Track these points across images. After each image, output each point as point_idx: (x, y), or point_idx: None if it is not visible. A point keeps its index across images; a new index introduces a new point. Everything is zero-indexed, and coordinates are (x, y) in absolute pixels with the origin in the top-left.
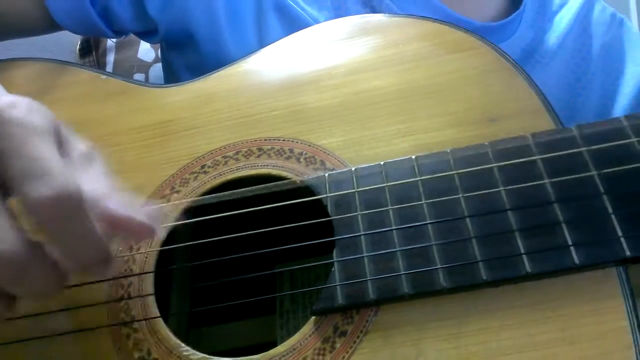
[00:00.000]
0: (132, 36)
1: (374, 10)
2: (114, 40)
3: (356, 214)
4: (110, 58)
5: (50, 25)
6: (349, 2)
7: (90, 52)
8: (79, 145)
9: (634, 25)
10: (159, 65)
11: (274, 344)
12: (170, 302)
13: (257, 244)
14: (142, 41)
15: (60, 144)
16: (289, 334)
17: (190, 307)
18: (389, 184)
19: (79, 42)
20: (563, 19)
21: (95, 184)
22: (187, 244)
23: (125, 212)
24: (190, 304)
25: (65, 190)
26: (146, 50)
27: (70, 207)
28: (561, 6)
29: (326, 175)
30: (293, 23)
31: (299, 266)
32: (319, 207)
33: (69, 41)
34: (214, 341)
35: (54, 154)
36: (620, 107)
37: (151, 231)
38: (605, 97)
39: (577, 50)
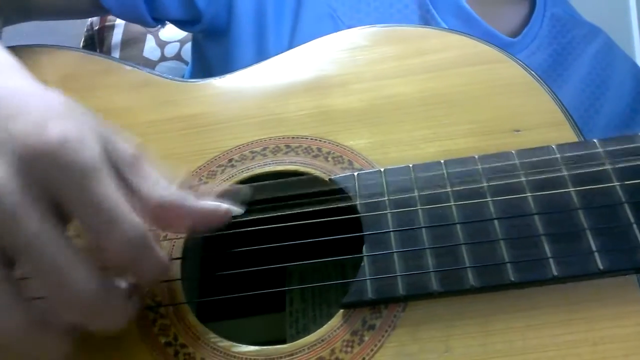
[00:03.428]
0: (137, 34)
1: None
2: (119, 39)
3: (385, 212)
4: (115, 56)
5: (95, 5)
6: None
7: (94, 49)
8: (126, 149)
9: (634, 25)
10: (165, 64)
11: (283, 342)
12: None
13: (277, 240)
14: (147, 40)
15: (113, 161)
16: (299, 332)
17: (197, 307)
18: (418, 185)
19: (83, 39)
20: (582, 56)
21: (163, 185)
22: (215, 233)
23: (211, 204)
24: (199, 296)
25: (135, 236)
26: (152, 49)
27: (140, 249)
28: (579, 43)
29: (355, 174)
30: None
31: (313, 262)
32: (345, 208)
33: (73, 37)
34: (222, 337)
35: (115, 194)
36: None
37: (231, 214)
38: (627, 106)
39: (593, 76)
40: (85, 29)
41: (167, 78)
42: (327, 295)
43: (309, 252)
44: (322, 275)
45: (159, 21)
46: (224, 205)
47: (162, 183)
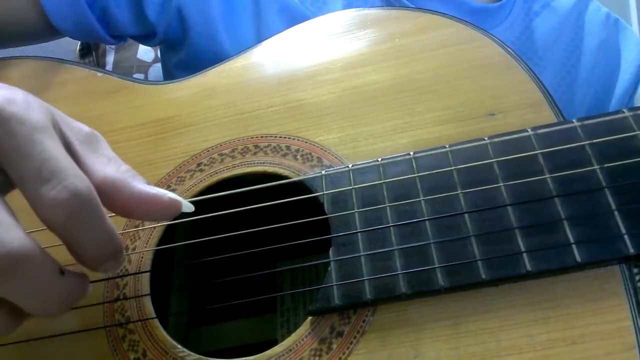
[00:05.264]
0: None
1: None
2: (113, 47)
3: (353, 211)
4: (110, 59)
5: (50, 30)
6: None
7: (90, 53)
8: (80, 127)
9: (634, 25)
10: (159, 65)
11: (274, 343)
12: (170, 301)
13: (256, 242)
14: None
15: (62, 135)
16: (290, 332)
17: (190, 306)
18: (387, 180)
19: (79, 43)
20: (554, 17)
21: (113, 165)
22: (183, 243)
23: (154, 190)
24: (190, 303)
25: (78, 190)
26: (145, 51)
27: (83, 206)
28: (549, 3)
29: (323, 172)
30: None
31: (300, 265)
32: (319, 205)
33: (69, 42)
34: (214, 340)
35: (60, 150)
36: (615, 103)
37: (179, 206)
38: (601, 92)
39: (574, 47)
40: None
41: (138, 82)
42: (317, 293)
43: (297, 250)
44: (312, 273)
45: (118, 38)
46: (170, 195)
47: (114, 161)
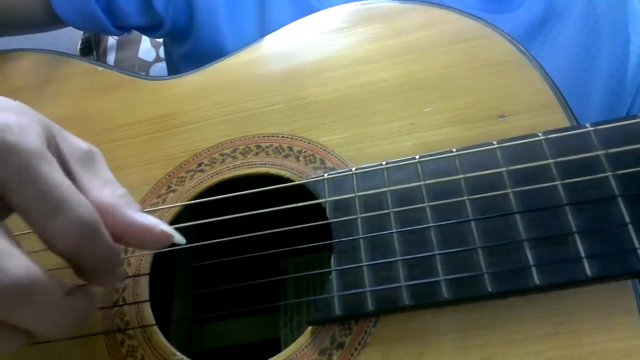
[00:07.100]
0: (133, 35)
1: None
2: (116, 38)
3: (355, 217)
4: (111, 58)
5: (53, 19)
6: None
7: (91, 51)
8: (78, 144)
9: None
10: (160, 64)
11: (277, 341)
12: (173, 303)
13: (258, 241)
14: (142, 41)
15: (59, 154)
16: (293, 332)
17: (193, 306)
18: (391, 186)
19: (80, 42)
20: None
21: (109, 189)
22: (182, 246)
23: (148, 220)
24: (193, 303)
25: (84, 219)
26: (147, 50)
27: (90, 233)
28: None
29: (325, 175)
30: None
31: (303, 274)
32: (321, 208)
33: (69, 41)
34: (217, 338)
35: (60, 176)
36: (630, 77)
37: (171, 239)
38: (614, 66)
39: (585, 20)
40: (82, 32)
41: (139, 77)
42: (321, 292)
43: (299, 249)
44: (315, 275)
45: (123, 29)
46: (163, 227)
47: (110, 185)
